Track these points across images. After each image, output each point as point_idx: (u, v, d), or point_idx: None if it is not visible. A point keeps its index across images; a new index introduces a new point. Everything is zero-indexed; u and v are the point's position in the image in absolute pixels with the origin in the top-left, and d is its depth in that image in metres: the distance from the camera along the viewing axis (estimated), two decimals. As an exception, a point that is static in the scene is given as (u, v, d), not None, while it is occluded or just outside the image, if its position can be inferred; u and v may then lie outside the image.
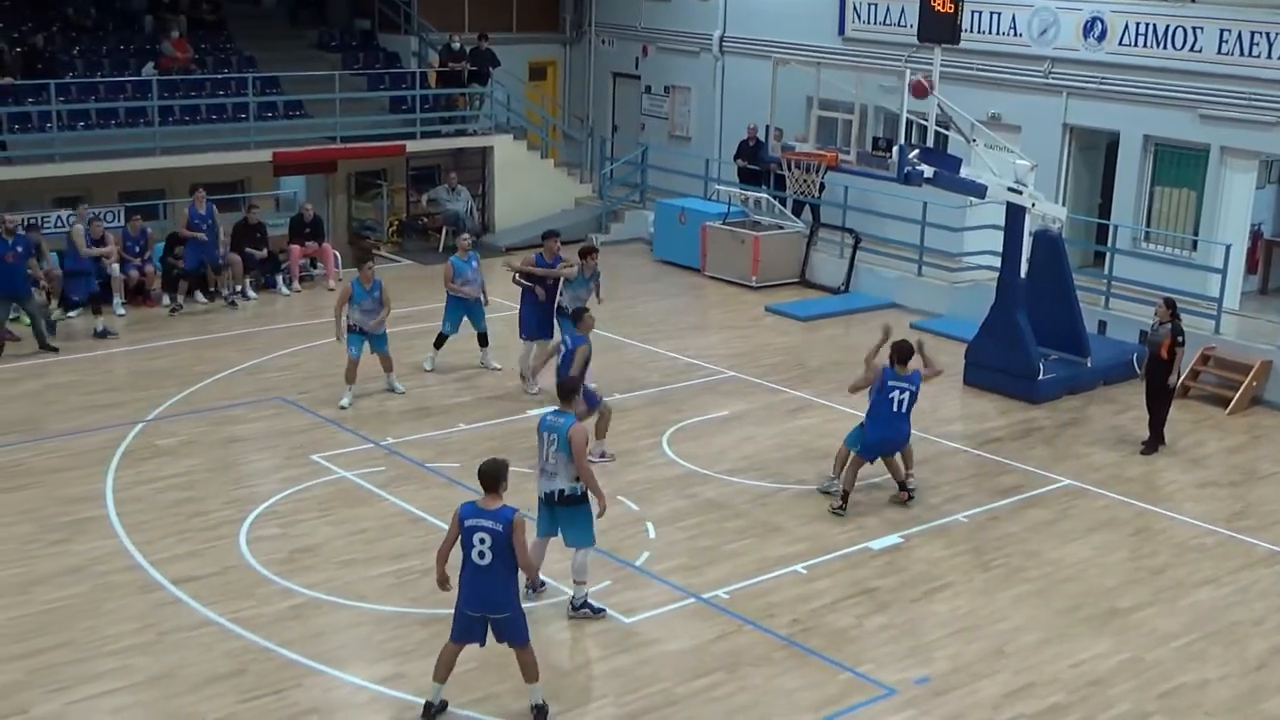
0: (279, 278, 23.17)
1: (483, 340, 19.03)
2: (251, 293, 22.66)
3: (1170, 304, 16.72)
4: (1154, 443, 16.80)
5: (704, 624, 12.21)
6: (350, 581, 12.71)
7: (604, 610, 12.18)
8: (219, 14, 27.80)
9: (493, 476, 10.17)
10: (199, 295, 22.07)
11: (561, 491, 11.67)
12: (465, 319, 18.80)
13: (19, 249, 19.03)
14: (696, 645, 11.83)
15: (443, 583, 10.42)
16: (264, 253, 22.99)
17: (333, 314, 17.46)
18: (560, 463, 11.55)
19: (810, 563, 13.46)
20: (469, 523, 10.07)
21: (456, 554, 10.21)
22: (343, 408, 17.20)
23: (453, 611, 10.37)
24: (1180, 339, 16.49)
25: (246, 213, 23.20)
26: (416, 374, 18.52)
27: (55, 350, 19.32)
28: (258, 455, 15.95)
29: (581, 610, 12.11)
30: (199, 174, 24.06)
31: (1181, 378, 16.73)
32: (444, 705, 10.46)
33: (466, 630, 10.28)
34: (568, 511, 11.75)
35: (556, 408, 11.92)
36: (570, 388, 12.13)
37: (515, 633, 10.31)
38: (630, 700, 10.92)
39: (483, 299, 18.86)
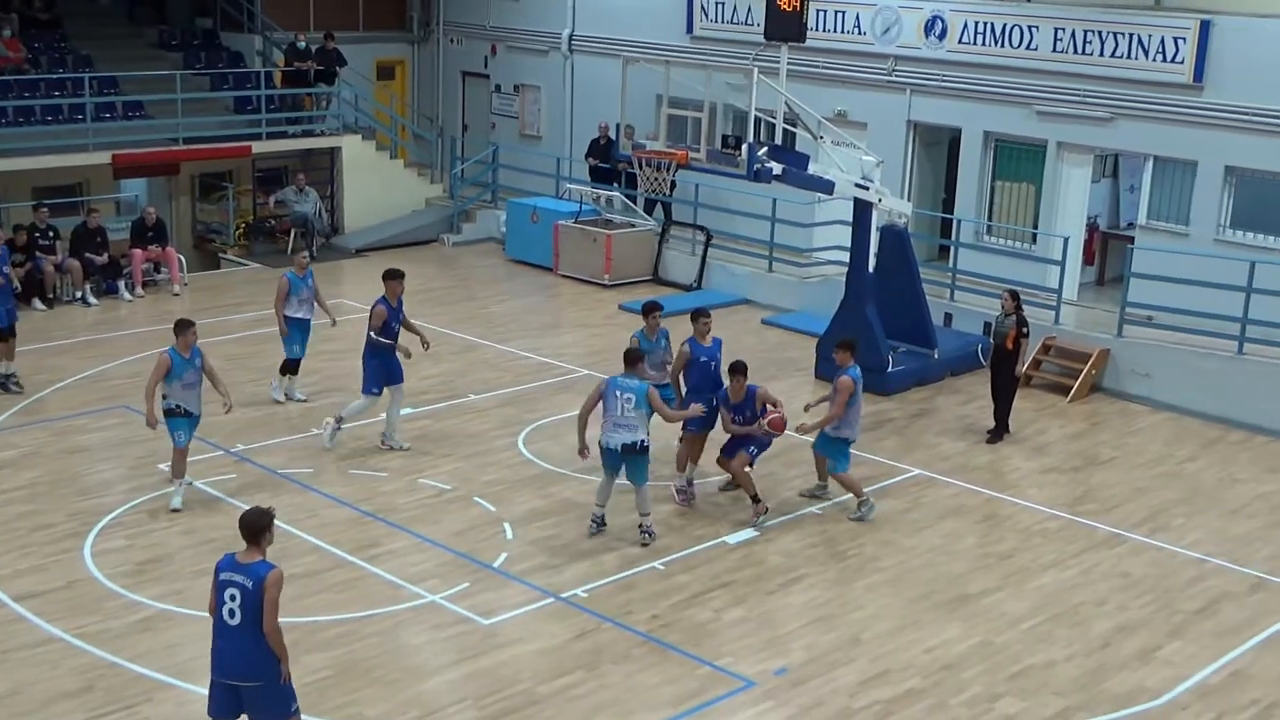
0: (121, 283, 22.63)
1: (292, 368, 17.66)
2: (92, 299, 22.11)
3: (1015, 296, 17.12)
4: (999, 432, 17.22)
5: (563, 623, 12.22)
6: (202, 592, 12.24)
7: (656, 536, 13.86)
8: (53, 12, 27.01)
9: (252, 528, 8.93)
10: (36, 303, 21.47)
11: (641, 442, 13.46)
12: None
13: None
14: (556, 645, 11.83)
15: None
16: (105, 258, 22.47)
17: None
18: (640, 418, 13.38)
19: (668, 559, 13.54)
20: (223, 576, 8.88)
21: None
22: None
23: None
24: (1025, 330, 16.92)
25: (86, 217, 22.70)
26: (265, 380, 18.15)
27: None
28: (102, 465, 15.55)
29: (647, 533, 13.81)
30: (35, 177, 23.44)
31: (1025, 367, 17.13)
32: None
33: (222, 703, 9.07)
34: (636, 459, 13.59)
35: (625, 371, 13.55)
36: (634, 357, 13.79)
37: (270, 709, 9.07)
38: (490, 702, 10.87)
39: (330, 320, 17.83)
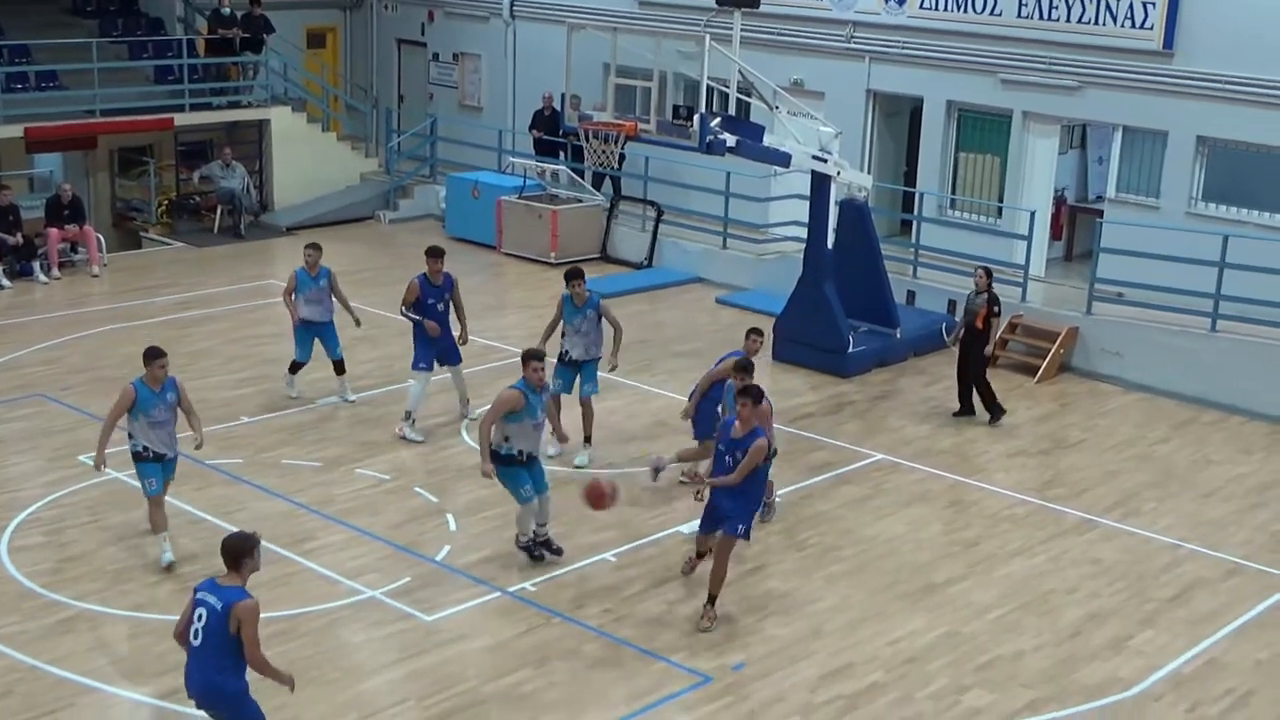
0: (36, 264, 22.42)
1: (338, 368, 17.24)
2: (5, 281, 21.88)
3: (988, 272, 17.21)
4: (966, 411, 17.33)
5: (510, 619, 12.21)
6: (126, 590, 12.36)
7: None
8: (-41, -24, 26.67)
9: (234, 552, 9.00)
10: (-53, 286, 21.29)
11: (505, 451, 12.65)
12: (318, 344, 17.04)
13: None
14: (502, 641, 11.83)
15: None
16: (18, 238, 22.26)
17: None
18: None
19: (620, 550, 13.56)
20: (198, 595, 8.97)
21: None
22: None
23: None
24: (996, 308, 17.03)
25: (-3, 194, 22.44)
26: (190, 366, 18.02)
27: None
28: (17, 458, 15.38)
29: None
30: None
31: (992, 347, 17.24)
32: None
33: None
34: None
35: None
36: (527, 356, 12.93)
37: None
38: (434, 702, 10.86)
39: (353, 321, 17.16)
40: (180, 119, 25.79)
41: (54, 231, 22.64)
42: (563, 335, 15.69)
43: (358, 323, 17.18)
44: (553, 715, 10.77)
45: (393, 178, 27.78)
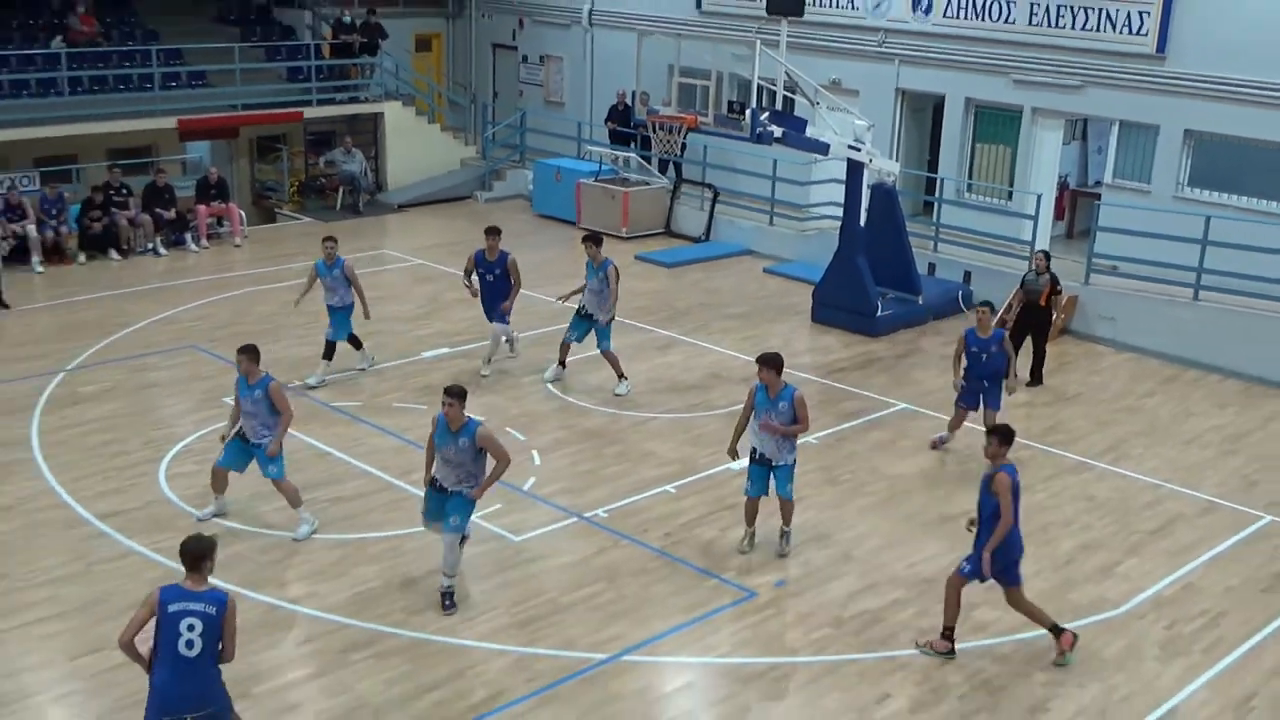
0: (188, 236, 22.63)
1: (328, 351, 16.00)
2: (162, 249, 22.14)
3: (1047, 256, 16.85)
4: (1037, 376, 16.85)
5: (585, 540, 12.29)
6: (261, 512, 12.55)
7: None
8: (123, -10, 26.90)
9: (195, 555, 7.84)
10: (113, 253, 21.54)
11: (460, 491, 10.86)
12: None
13: None
14: (579, 559, 11.91)
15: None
16: (173, 213, 22.46)
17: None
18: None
19: (679, 483, 13.59)
20: (174, 607, 7.64)
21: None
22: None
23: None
24: (1058, 287, 16.71)
25: (155, 176, 22.70)
26: (313, 323, 18.13)
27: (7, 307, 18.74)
28: (173, 399, 15.61)
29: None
30: (110, 140, 23.44)
31: (1059, 316, 16.71)
32: None
33: None
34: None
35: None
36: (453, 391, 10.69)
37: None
38: (520, 610, 10.97)
39: (363, 310, 15.90)
40: (308, 112, 25.91)
41: (202, 208, 22.85)
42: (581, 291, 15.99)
43: (367, 315, 15.97)
44: (620, 623, 10.85)
45: (488, 163, 27.77)
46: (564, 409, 15.58)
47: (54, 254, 21.20)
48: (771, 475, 11.84)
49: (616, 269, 15.92)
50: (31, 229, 20.67)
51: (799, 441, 12.02)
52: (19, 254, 20.66)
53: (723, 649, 10.54)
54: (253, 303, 19.45)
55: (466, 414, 10.56)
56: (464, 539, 11.13)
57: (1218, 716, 9.92)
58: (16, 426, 14.49)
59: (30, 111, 22.55)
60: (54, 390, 15.65)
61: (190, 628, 7.66)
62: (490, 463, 10.72)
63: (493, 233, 16.24)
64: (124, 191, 22.05)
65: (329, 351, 16.00)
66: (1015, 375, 14.49)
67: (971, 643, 10.73)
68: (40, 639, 10.31)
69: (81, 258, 21.27)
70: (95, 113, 23.10)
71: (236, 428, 12.04)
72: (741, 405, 12.13)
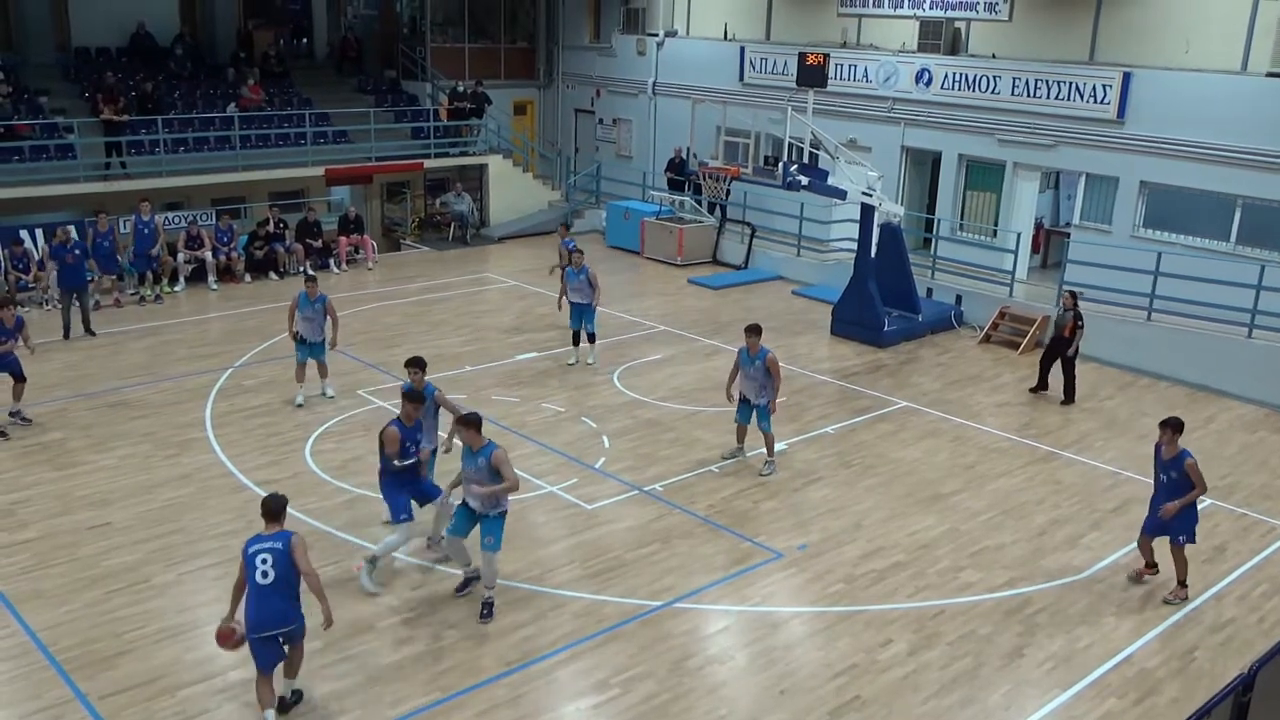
0: (331, 261, 22.84)
1: (321, 370, 14.90)
2: (311, 272, 22.27)
3: (1074, 295, 16.09)
4: (1068, 397, 16.04)
5: (645, 509, 12.23)
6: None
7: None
8: (283, 66, 27.18)
9: (272, 509, 8.21)
10: (272, 274, 21.79)
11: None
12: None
13: (77, 251, 17.59)
14: (640, 524, 11.85)
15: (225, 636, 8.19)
16: (320, 243, 22.67)
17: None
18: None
19: (721, 464, 13.48)
20: (253, 548, 8.04)
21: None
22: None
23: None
24: (1081, 322, 15.96)
25: (307, 213, 22.89)
26: (437, 330, 18.23)
27: (94, 334, 17.53)
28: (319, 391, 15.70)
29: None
30: (271, 185, 23.71)
31: (1076, 348, 15.98)
32: (297, 695, 8.64)
33: (267, 656, 8.16)
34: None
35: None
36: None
37: (298, 637, 8.35)
38: (591, 565, 10.94)
39: (328, 339, 14.65)
40: (428, 163, 26.01)
41: (343, 239, 23.04)
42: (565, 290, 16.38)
43: (332, 345, 14.79)
44: (674, 575, 10.78)
45: (570, 204, 27.80)
46: (629, 403, 15.53)
47: (226, 275, 21.47)
48: (754, 411, 12.97)
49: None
50: (208, 255, 20.96)
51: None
52: (198, 275, 20.97)
53: (755, 600, 10.43)
54: (382, 314, 19.56)
55: (486, 437, 9.68)
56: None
57: (1166, 664, 9.67)
58: (194, 411, 14.69)
59: (209, 162, 22.87)
60: (224, 383, 15.83)
61: (264, 560, 8.00)
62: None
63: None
64: (282, 225, 22.27)
65: (300, 374, 14.82)
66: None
67: (958, 598, 10.54)
68: (210, 581, 10.42)
69: (248, 278, 21.52)
70: (260, 163, 23.39)
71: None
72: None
